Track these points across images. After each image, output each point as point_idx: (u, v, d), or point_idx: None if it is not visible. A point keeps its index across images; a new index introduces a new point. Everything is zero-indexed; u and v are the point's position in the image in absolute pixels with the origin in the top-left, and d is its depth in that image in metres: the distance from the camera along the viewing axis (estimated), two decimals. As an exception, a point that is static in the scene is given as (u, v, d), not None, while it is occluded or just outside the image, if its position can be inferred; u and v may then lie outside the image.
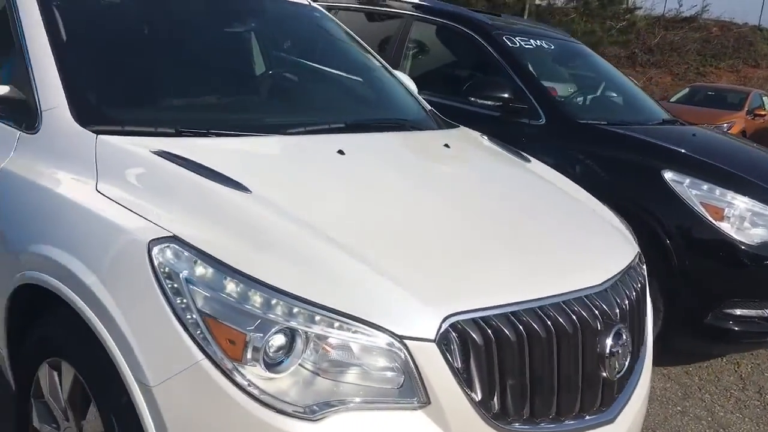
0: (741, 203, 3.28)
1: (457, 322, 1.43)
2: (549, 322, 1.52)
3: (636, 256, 2.03)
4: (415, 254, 1.58)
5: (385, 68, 3.01)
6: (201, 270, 1.39)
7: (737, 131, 11.18)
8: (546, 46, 4.46)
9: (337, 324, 1.36)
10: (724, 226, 3.24)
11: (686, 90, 15.00)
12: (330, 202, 1.73)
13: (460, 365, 1.41)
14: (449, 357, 1.40)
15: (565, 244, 1.84)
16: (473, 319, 1.45)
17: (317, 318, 1.36)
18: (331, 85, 2.73)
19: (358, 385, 1.37)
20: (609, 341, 1.63)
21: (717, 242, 3.24)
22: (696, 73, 22.76)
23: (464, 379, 1.42)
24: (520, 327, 1.49)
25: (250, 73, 2.73)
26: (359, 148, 2.09)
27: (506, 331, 1.47)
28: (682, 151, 3.62)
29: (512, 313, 1.50)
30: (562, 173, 3.63)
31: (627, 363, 1.71)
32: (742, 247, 3.21)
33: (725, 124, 10.94)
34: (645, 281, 2.01)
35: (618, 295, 1.73)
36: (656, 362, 3.59)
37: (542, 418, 1.54)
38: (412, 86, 3.03)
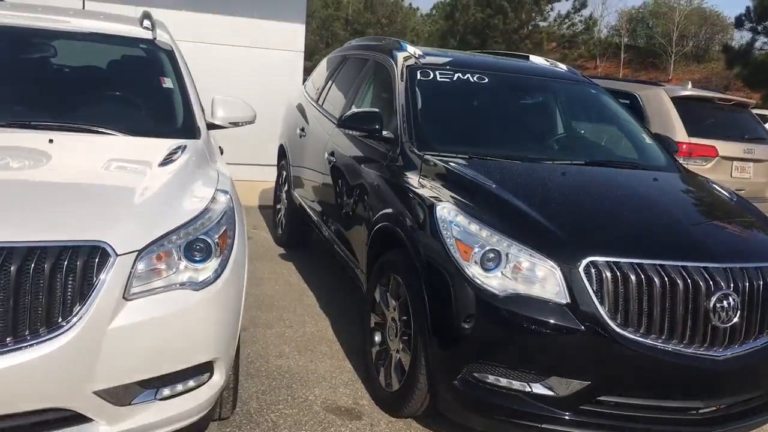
0: (504, 246, 2.68)
1: None
2: None
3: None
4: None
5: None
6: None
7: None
8: (475, 80, 4.10)
9: None
10: (474, 270, 2.68)
11: None
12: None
13: None
14: None
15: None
16: None
17: None
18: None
19: None
20: None
21: (460, 287, 2.69)
22: None
23: None
24: None
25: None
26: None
27: None
28: (483, 185, 3.11)
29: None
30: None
31: None
32: (483, 297, 2.62)
33: None
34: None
35: None
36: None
37: None
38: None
